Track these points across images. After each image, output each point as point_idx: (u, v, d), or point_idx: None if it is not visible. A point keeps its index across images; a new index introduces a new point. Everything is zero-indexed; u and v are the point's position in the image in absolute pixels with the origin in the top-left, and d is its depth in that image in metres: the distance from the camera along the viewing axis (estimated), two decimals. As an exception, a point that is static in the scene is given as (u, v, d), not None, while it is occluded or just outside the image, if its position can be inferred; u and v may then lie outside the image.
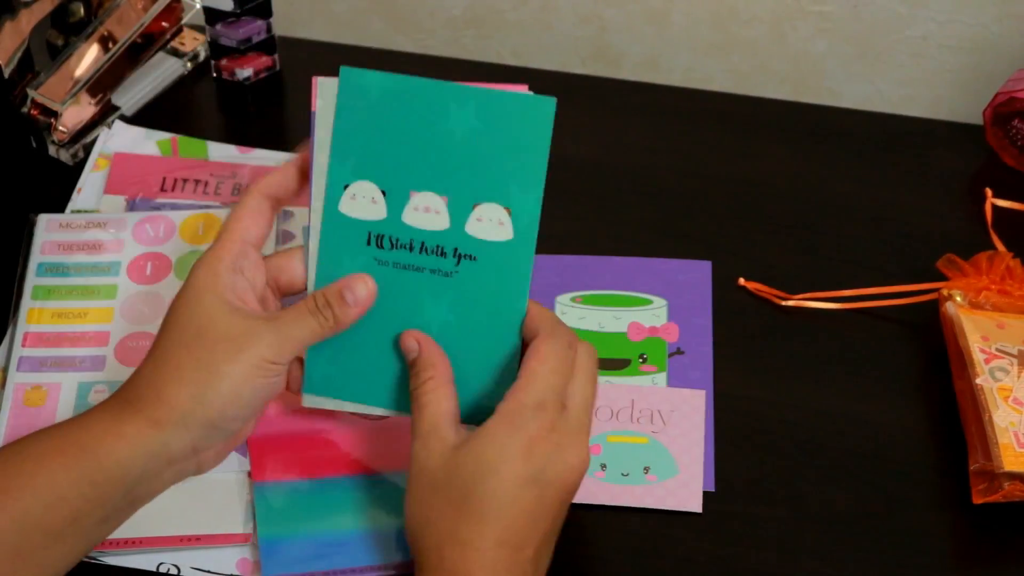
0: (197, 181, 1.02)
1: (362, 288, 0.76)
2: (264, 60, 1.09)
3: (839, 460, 0.86)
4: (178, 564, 0.81)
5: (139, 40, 1.07)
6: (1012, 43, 1.15)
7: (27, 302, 0.92)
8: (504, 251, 0.76)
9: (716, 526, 0.83)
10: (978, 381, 0.85)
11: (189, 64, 1.12)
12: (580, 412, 0.73)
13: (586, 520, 0.84)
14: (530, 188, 0.76)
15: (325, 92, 0.76)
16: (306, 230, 0.78)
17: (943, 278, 0.93)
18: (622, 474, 0.85)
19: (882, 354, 0.92)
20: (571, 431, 0.72)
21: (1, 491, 0.70)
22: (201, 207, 0.99)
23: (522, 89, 0.76)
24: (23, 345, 0.90)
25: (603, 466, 0.85)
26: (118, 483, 0.71)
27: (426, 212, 0.77)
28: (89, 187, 1.01)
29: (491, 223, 0.76)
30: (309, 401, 0.80)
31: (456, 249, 0.77)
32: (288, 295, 0.79)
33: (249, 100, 1.09)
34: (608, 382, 0.89)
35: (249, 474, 0.84)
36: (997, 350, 0.87)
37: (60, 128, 1.03)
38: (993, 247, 0.96)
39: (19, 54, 1.03)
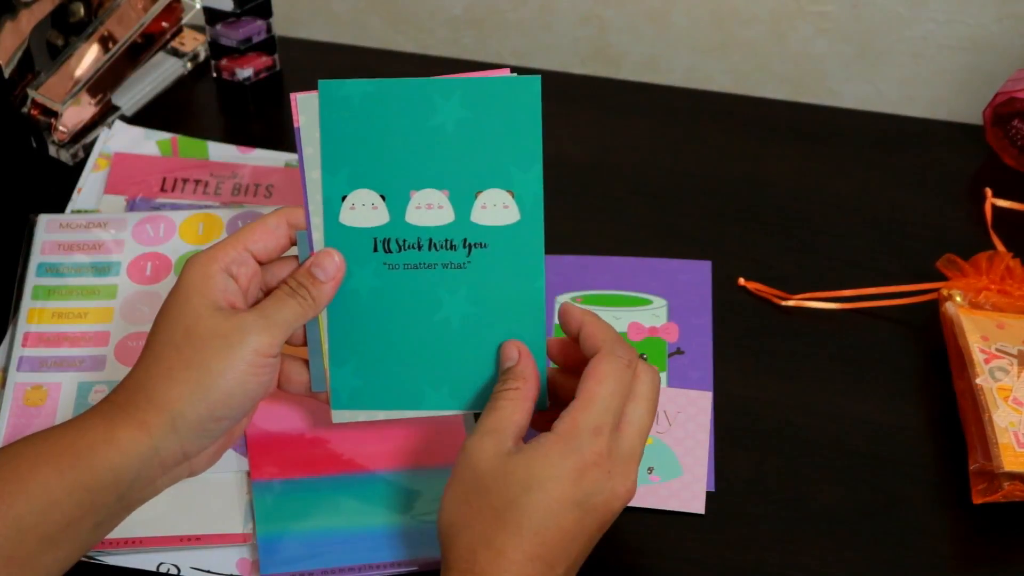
0: (197, 181, 1.02)
1: (329, 262, 0.76)
2: (264, 60, 1.09)
3: (839, 460, 0.86)
4: (178, 564, 0.81)
5: (139, 40, 1.07)
6: (1012, 43, 1.15)
7: (27, 302, 0.92)
8: (514, 233, 0.77)
9: (716, 526, 0.83)
10: (978, 381, 0.85)
11: (189, 64, 1.12)
12: (635, 439, 0.73)
13: (586, 520, 0.84)
14: (529, 167, 0.76)
15: (306, 107, 0.76)
16: (301, 237, 0.77)
17: (943, 278, 0.93)
18: (622, 474, 0.85)
19: (882, 354, 0.92)
20: (623, 459, 0.72)
21: None
22: (201, 207, 0.99)
23: (504, 73, 0.76)
24: (23, 345, 0.90)
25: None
26: (112, 489, 0.71)
27: (429, 209, 0.77)
28: (89, 187, 1.01)
29: (496, 208, 0.76)
30: (339, 418, 0.80)
31: (465, 239, 0.77)
32: None
33: (249, 100, 1.09)
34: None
35: (248, 473, 0.84)
36: (997, 350, 0.87)
37: (60, 128, 1.03)
38: (993, 247, 0.96)
39: (19, 54, 1.03)
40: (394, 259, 0.77)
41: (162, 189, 1.01)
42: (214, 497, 0.83)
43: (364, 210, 0.77)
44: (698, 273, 0.96)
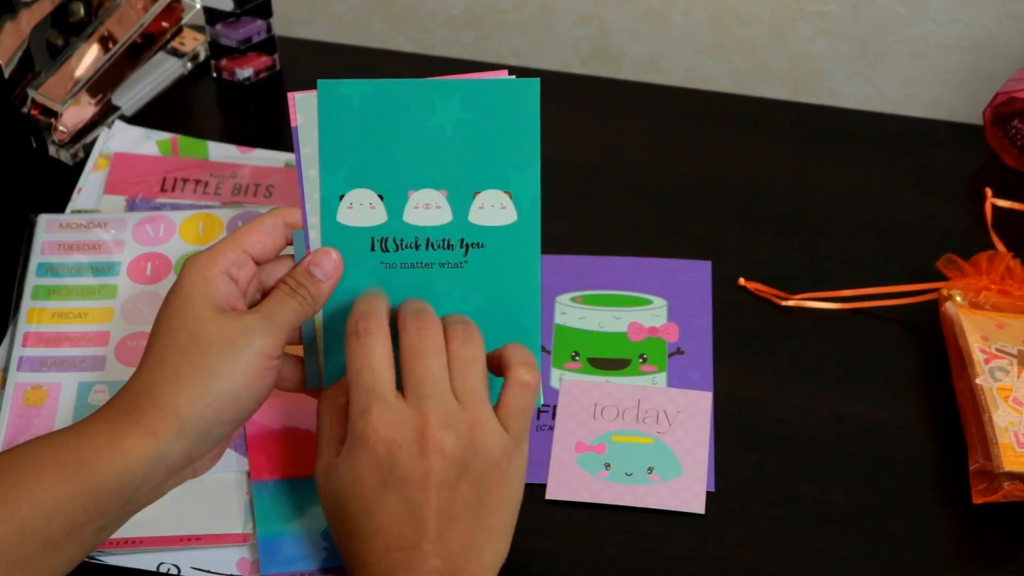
0: (197, 181, 1.02)
1: (327, 261, 0.76)
2: (264, 60, 1.09)
3: (839, 460, 0.86)
4: (178, 564, 0.81)
5: (139, 40, 1.07)
6: (1012, 43, 1.15)
7: (27, 302, 0.92)
8: (510, 233, 0.77)
9: (716, 526, 0.83)
10: (978, 381, 0.85)
11: (189, 64, 1.12)
12: (421, 390, 0.72)
13: (587, 519, 0.84)
14: (527, 168, 0.76)
15: (304, 107, 0.76)
16: (298, 236, 0.77)
17: (943, 278, 0.93)
18: (626, 474, 0.85)
19: (882, 354, 0.92)
20: (404, 418, 0.71)
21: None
22: (201, 207, 0.99)
23: (502, 75, 0.76)
24: (23, 345, 0.90)
25: (607, 465, 0.85)
26: (117, 494, 0.71)
27: (427, 209, 0.77)
28: (89, 187, 1.01)
29: (494, 208, 0.77)
30: None
31: (463, 239, 0.77)
32: None
33: (249, 100, 1.09)
34: (609, 382, 0.89)
35: (248, 473, 0.84)
36: (997, 350, 0.87)
37: (60, 128, 1.03)
38: (993, 247, 0.96)
39: (19, 54, 1.02)
40: (391, 258, 0.77)
41: (162, 189, 1.01)
42: (214, 497, 0.83)
43: (362, 209, 0.77)
44: (698, 273, 0.96)
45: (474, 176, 0.76)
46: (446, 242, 0.77)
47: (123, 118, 1.07)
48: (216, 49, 1.08)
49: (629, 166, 1.05)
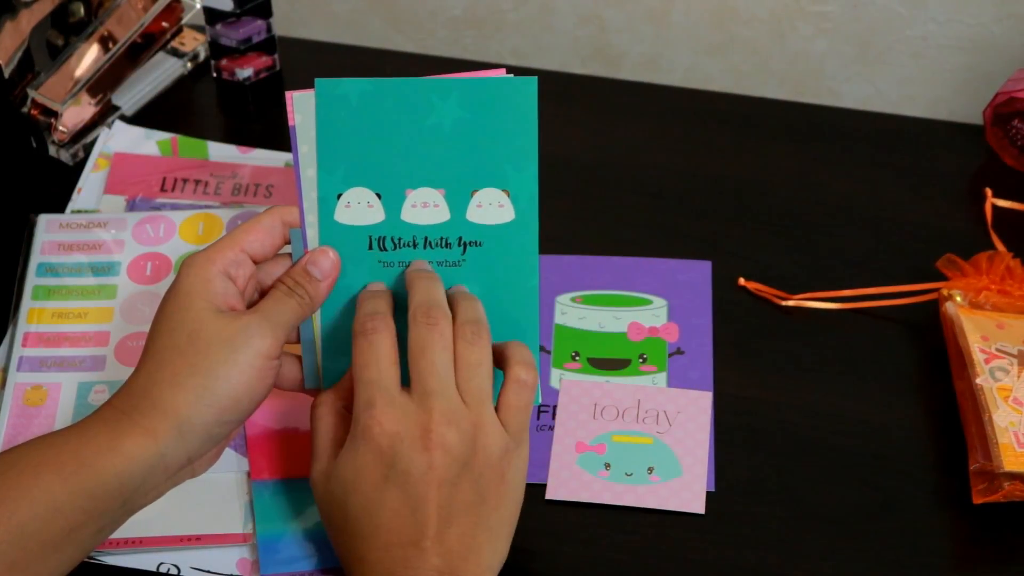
0: (197, 181, 1.02)
1: (325, 260, 0.76)
2: (264, 60, 1.09)
3: (839, 460, 0.86)
4: (178, 564, 0.81)
5: (139, 40, 1.07)
6: (1012, 43, 1.15)
7: (27, 302, 0.92)
8: (508, 232, 0.77)
9: (716, 526, 0.83)
10: (978, 381, 0.85)
11: (189, 64, 1.12)
12: (426, 385, 0.72)
13: (587, 519, 0.84)
14: (525, 167, 0.76)
15: (302, 106, 0.76)
16: (295, 235, 0.77)
17: (943, 278, 0.93)
18: (626, 474, 0.85)
19: (882, 354, 0.92)
20: (410, 412, 0.71)
21: None
22: (201, 207, 0.99)
23: (499, 73, 0.76)
24: (23, 345, 0.90)
25: (607, 465, 0.85)
26: (116, 495, 0.71)
27: (424, 207, 0.77)
28: (89, 187, 1.01)
29: (492, 207, 0.77)
30: None
31: (460, 238, 0.77)
32: None
33: (249, 100, 1.09)
34: (609, 382, 0.89)
35: (248, 473, 0.84)
36: (997, 350, 0.87)
37: (60, 128, 1.03)
38: (993, 247, 0.96)
39: (19, 54, 1.02)
40: (389, 257, 0.77)
41: (162, 189, 1.01)
42: (214, 497, 0.83)
43: (359, 208, 0.77)
44: (698, 273, 0.96)
45: (472, 174, 0.76)
46: (444, 240, 0.77)
47: (123, 118, 1.07)
48: (216, 49, 1.08)
49: (629, 166, 1.05)
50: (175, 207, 0.99)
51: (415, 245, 0.77)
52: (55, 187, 1.02)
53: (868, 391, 0.90)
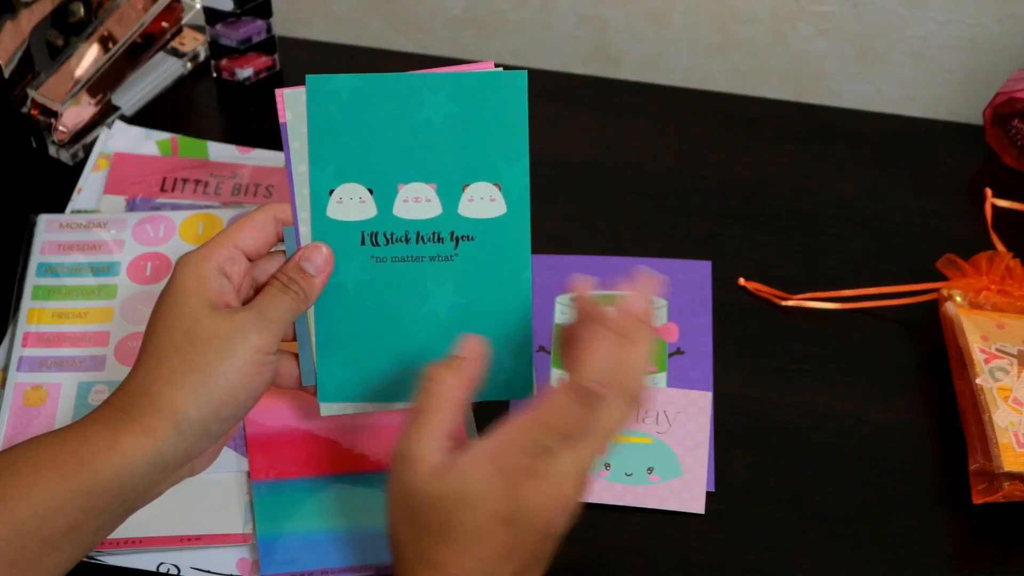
0: (197, 181, 1.02)
1: (318, 255, 0.76)
2: (264, 60, 1.09)
3: (839, 460, 0.86)
4: (178, 564, 0.81)
5: (139, 40, 1.07)
6: (1012, 43, 1.15)
7: (27, 302, 0.92)
8: (500, 225, 0.77)
9: (716, 526, 0.83)
10: (978, 381, 0.85)
11: (189, 64, 1.12)
12: (579, 460, 0.70)
13: (587, 519, 0.83)
14: (516, 160, 0.76)
15: (292, 103, 0.76)
16: (288, 232, 0.77)
17: (943, 278, 0.93)
18: (626, 474, 0.85)
19: (882, 354, 0.92)
20: (561, 477, 0.69)
21: None
22: (201, 207, 0.99)
23: (487, 66, 0.76)
24: (23, 345, 0.90)
25: (607, 465, 0.85)
26: (114, 494, 0.71)
27: (416, 202, 0.77)
28: (89, 187, 1.01)
29: (483, 201, 0.77)
30: (327, 410, 0.80)
31: (452, 232, 0.77)
32: None
33: (249, 100, 1.09)
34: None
35: (248, 473, 0.84)
36: (997, 350, 0.87)
37: (60, 128, 1.03)
38: (993, 247, 0.96)
39: (19, 54, 1.03)
40: (382, 252, 0.78)
41: (162, 189, 1.01)
42: (214, 497, 0.83)
43: (351, 204, 0.77)
44: (698, 273, 0.96)
45: (463, 169, 0.77)
46: (436, 235, 0.77)
47: (123, 118, 1.07)
48: (216, 49, 1.08)
49: (629, 166, 1.05)
50: (175, 207, 0.99)
51: (407, 240, 0.77)
52: (55, 187, 1.02)
53: (868, 391, 0.90)
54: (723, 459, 0.86)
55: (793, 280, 0.96)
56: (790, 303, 0.95)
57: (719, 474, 0.85)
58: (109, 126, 1.06)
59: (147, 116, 1.08)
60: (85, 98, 1.04)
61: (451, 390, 0.71)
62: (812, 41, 1.20)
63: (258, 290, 0.77)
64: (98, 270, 0.94)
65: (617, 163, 1.05)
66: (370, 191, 0.77)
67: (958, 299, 0.91)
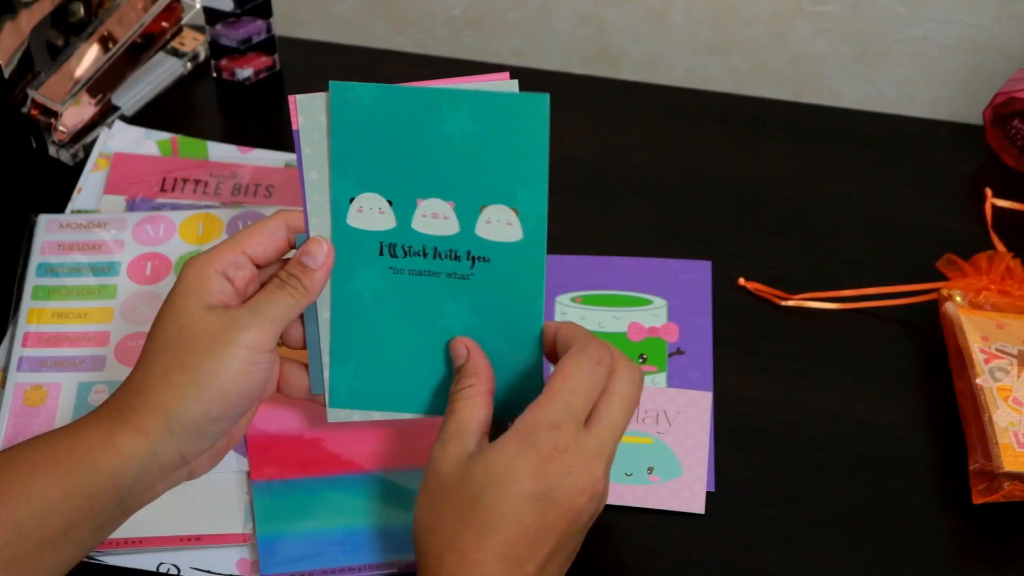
0: (197, 181, 1.02)
1: (318, 250, 0.76)
2: (264, 60, 1.09)
3: (839, 460, 0.86)
4: (178, 564, 0.81)
5: (139, 40, 1.07)
6: (1012, 43, 1.15)
7: (27, 302, 0.92)
8: (516, 251, 0.77)
9: (716, 526, 0.83)
10: (978, 381, 0.85)
11: (189, 64, 1.12)
12: (603, 435, 0.72)
13: (586, 520, 0.84)
14: (534, 187, 0.76)
15: (306, 109, 0.76)
16: (301, 240, 0.77)
17: (943, 278, 0.93)
18: (625, 474, 0.85)
19: (882, 354, 0.92)
20: (587, 454, 0.71)
21: None
22: (201, 207, 0.99)
23: (503, 78, 0.76)
24: (23, 345, 0.90)
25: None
26: (111, 494, 0.71)
27: (435, 218, 0.77)
28: (89, 187, 1.01)
29: (500, 224, 0.76)
30: (335, 416, 0.80)
31: (469, 252, 0.77)
32: None
33: (249, 100, 1.09)
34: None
35: (248, 473, 0.84)
36: (997, 350, 0.87)
37: (60, 128, 1.03)
38: (993, 247, 0.96)
39: (19, 54, 1.03)
40: (399, 264, 0.77)
41: (162, 189, 1.01)
42: (214, 497, 0.83)
43: (371, 214, 0.77)
44: (698, 273, 0.96)
45: (481, 189, 0.76)
46: (453, 253, 0.77)
47: (123, 118, 1.07)
48: (216, 49, 1.08)
49: (629, 166, 1.05)
50: (175, 207, 0.99)
51: (425, 254, 0.77)
52: (55, 187, 1.02)
53: (868, 391, 0.90)
54: (723, 459, 0.86)
55: (793, 280, 0.96)
56: (790, 303, 0.95)
57: (719, 474, 0.85)
58: (109, 126, 1.06)
59: (147, 116, 1.08)
60: (85, 98, 1.04)
61: (480, 387, 0.74)
62: (812, 41, 1.20)
63: None
64: (98, 270, 0.94)
65: (617, 163, 1.05)
66: (389, 203, 0.77)
67: (958, 299, 0.91)
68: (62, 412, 0.86)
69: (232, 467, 0.84)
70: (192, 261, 0.75)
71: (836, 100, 1.22)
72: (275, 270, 0.77)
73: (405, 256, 0.77)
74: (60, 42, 1.05)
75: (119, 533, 0.77)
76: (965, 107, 1.18)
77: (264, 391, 0.76)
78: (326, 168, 0.76)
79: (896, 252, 0.98)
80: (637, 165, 1.05)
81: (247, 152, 1.04)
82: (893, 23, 1.17)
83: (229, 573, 0.81)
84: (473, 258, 0.77)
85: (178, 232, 0.96)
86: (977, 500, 0.82)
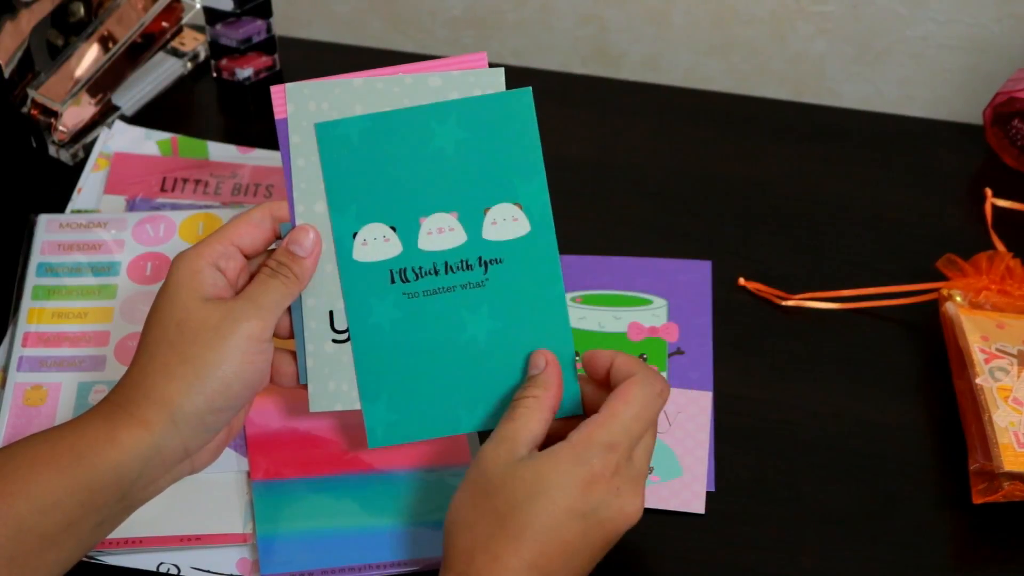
0: (197, 181, 1.02)
1: (305, 237, 0.76)
2: (264, 60, 1.09)
3: (839, 460, 0.86)
4: (178, 564, 0.81)
5: (139, 40, 1.07)
6: (1012, 43, 1.15)
7: (27, 302, 0.92)
8: (527, 244, 0.77)
9: (716, 526, 0.83)
10: (978, 381, 0.85)
11: (189, 64, 1.12)
12: (642, 463, 0.74)
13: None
14: (532, 178, 0.76)
15: (295, 96, 0.76)
16: (286, 229, 0.77)
17: (943, 278, 0.93)
18: (622, 474, 0.85)
19: (882, 354, 0.92)
20: (632, 479, 0.72)
21: None
22: (201, 207, 0.99)
23: (479, 59, 0.76)
24: (23, 345, 0.90)
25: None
26: (113, 489, 0.71)
27: (440, 233, 0.77)
28: (89, 187, 1.01)
29: (506, 222, 0.77)
30: (376, 444, 0.79)
31: (480, 257, 0.77)
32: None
33: (249, 100, 1.09)
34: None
35: (248, 473, 0.84)
36: (997, 350, 0.87)
37: (60, 128, 1.03)
38: (993, 247, 0.96)
39: (19, 54, 1.03)
40: (412, 288, 0.77)
41: (162, 189, 1.01)
42: (214, 497, 0.83)
43: (376, 244, 0.77)
44: (698, 273, 0.96)
45: (482, 193, 0.76)
46: (464, 263, 0.77)
47: (123, 118, 1.07)
48: (216, 49, 1.08)
49: (629, 166, 1.05)
50: (175, 207, 0.99)
51: (436, 272, 0.77)
52: (55, 187, 1.02)
53: (868, 391, 0.90)
54: (723, 459, 0.86)
55: (793, 280, 0.96)
56: (790, 303, 0.95)
57: (719, 474, 0.85)
58: (109, 126, 1.06)
59: (147, 116, 1.08)
60: (85, 98, 1.04)
61: (545, 402, 0.75)
62: (812, 41, 1.20)
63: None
64: (98, 270, 0.94)
65: (617, 163, 1.05)
66: (393, 228, 0.77)
67: (958, 299, 0.91)
68: (62, 412, 0.86)
69: (232, 467, 0.84)
70: (183, 254, 0.75)
71: (836, 100, 1.22)
72: (262, 260, 0.77)
73: (417, 279, 0.77)
74: (60, 42, 1.05)
75: (119, 533, 0.77)
76: (965, 107, 1.18)
77: (263, 380, 0.76)
78: (315, 159, 0.76)
79: (896, 252, 0.98)
80: (637, 165, 1.05)
81: (247, 152, 1.04)
82: (893, 23, 1.17)
83: (229, 573, 0.81)
84: (485, 263, 0.77)
85: (178, 232, 0.96)
86: (977, 500, 0.82)
